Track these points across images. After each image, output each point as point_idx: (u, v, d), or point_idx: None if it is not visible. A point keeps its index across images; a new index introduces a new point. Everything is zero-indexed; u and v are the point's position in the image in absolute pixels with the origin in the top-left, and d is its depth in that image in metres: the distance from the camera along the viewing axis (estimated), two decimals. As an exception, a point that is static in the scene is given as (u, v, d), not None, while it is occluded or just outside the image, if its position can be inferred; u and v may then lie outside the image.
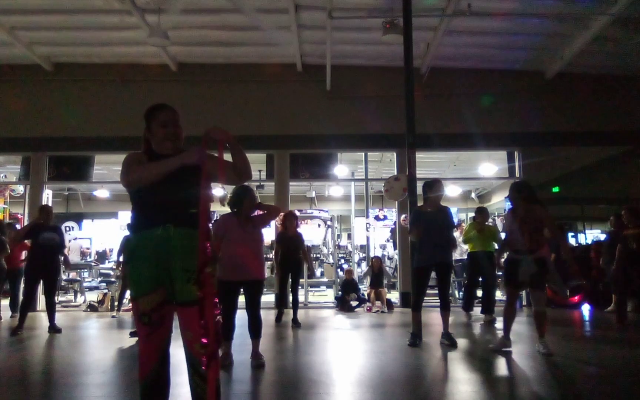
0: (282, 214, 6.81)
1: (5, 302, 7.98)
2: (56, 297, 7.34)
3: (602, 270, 8.28)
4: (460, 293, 9.42)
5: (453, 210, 7.52)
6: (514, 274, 4.82)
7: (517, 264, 4.78)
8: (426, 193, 5.50)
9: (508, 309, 4.98)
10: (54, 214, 7.11)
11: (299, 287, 7.88)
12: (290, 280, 7.30)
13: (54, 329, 6.41)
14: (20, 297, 7.11)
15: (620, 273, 6.87)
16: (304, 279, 9.82)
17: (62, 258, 6.98)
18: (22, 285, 7.10)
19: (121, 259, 8.16)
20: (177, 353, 2.42)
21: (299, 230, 7.52)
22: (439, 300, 5.50)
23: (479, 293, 7.90)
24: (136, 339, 2.75)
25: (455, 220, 10.27)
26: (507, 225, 5.15)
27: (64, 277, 10.38)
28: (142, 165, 2.35)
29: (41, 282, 6.94)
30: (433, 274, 5.53)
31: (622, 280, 6.85)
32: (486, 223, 7.36)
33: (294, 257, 7.15)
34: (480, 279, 7.49)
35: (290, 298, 7.41)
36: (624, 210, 7.12)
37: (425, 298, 5.58)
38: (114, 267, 9.77)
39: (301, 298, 9.39)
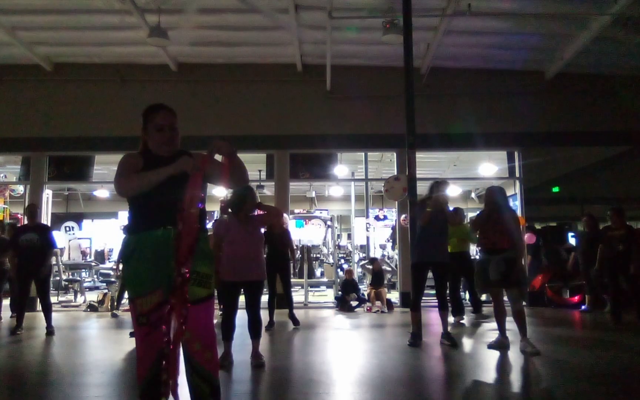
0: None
1: (6, 301, 7.97)
2: (52, 297, 7.23)
3: (582, 272, 8.19)
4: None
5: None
6: (484, 273, 5.03)
7: (487, 264, 4.99)
8: (432, 191, 5.44)
9: (496, 308, 5.17)
10: (54, 214, 7.07)
11: (292, 286, 7.70)
12: (280, 280, 7.04)
13: (48, 331, 6.34)
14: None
15: (609, 274, 7.02)
16: (305, 278, 9.81)
17: (53, 256, 6.84)
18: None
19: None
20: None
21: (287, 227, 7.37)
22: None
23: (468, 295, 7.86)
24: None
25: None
26: (479, 224, 5.26)
27: (64, 277, 10.38)
28: (133, 175, 2.35)
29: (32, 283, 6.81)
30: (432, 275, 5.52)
31: (614, 281, 6.99)
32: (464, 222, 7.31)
33: (280, 254, 6.96)
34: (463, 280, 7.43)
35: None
36: (610, 211, 7.16)
37: (424, 298, 5.58)
38: (114, 267, 9.76)
39: (301, 298, 9.41)
